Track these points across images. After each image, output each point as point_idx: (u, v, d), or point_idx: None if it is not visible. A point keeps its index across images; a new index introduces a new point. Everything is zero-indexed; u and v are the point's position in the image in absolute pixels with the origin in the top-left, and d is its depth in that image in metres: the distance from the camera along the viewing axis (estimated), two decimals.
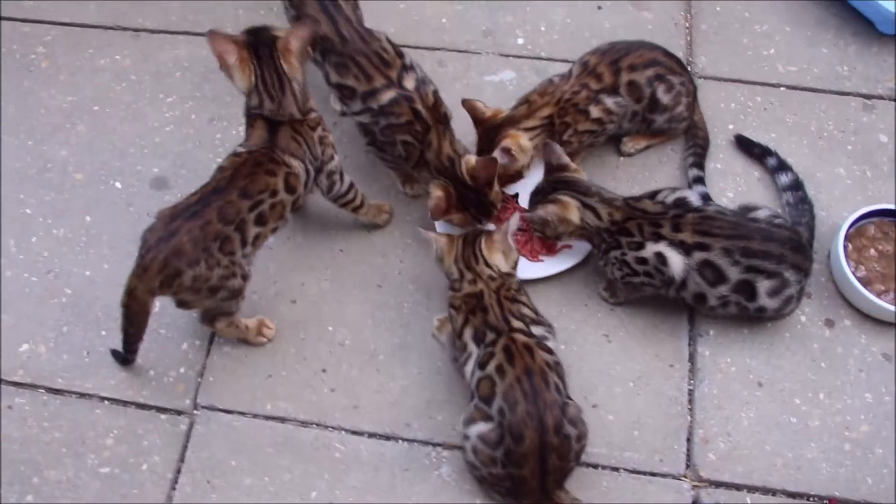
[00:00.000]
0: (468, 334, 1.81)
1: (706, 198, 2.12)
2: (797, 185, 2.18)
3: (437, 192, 1.98)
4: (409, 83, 2.02)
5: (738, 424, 1.93)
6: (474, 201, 2.01)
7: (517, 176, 2.11)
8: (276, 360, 2.06)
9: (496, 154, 2.01)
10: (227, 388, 2.03)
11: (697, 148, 2.27)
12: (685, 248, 1.85)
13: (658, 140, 2.31)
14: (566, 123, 2.11)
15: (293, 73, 1.82)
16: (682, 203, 1.93)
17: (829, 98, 2.41)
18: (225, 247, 1.80)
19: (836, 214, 2.19)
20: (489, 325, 1.78)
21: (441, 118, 2.03)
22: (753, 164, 2.30)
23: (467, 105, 2.10)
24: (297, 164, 1.86)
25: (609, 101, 2.10)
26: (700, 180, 2.23)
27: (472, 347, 1.80)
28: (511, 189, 2.21)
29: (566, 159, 1.99)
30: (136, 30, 2.68)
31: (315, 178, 1.97)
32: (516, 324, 1.78)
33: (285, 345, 2.08)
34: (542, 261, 2.12)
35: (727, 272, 1.86)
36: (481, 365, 1.75)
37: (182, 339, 2.10)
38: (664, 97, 2.15)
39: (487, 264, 1.87)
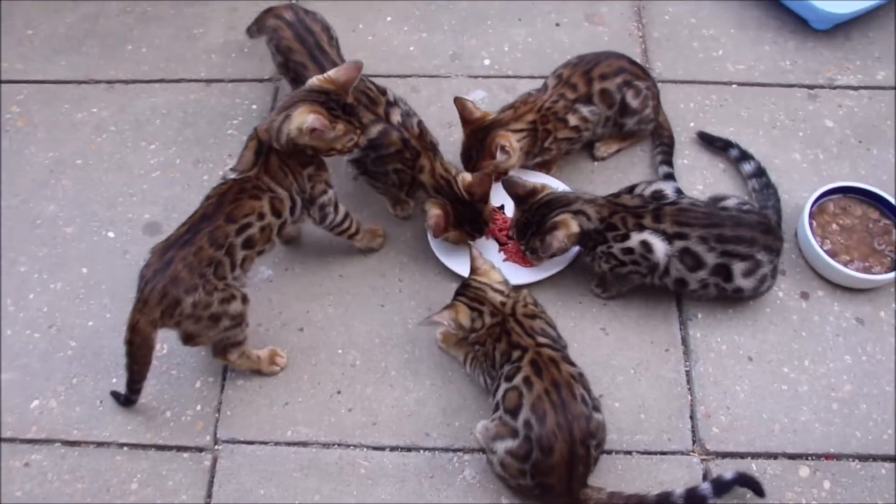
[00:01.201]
0: (497, 359, 1.89)
1: (678, 191, 2.26)
2: (760, 172, 2.35)
3: (435, 211, 2.08)
4: (395, 117, 2.12)
5: (735, 397, 2.06)
6: (469, 218, 2.12)
7: (505, 174, 2.22)
8: (292, 387, 2.12)
9: (495, 150, 2.14)
10: (246, 419, 2.07)
11: (664, 147, 2.43)
12: (666, 238, 1.99)
13: (628, 143, 2.46)
14: (547, 130, 2.24)
15: None
16: (659, 195, 2.06)
17: (777, 91, 2.60)
18: (218, 271, 1.85)
19: (797, 196, 2.36)
20: (514, 345, 1.86)
21: (429, 146, 2.15)
22: (717, 157, 2.46)
23: (458, 103, 2.22)
24: (281, 192, 1.94)
25: (585, 110, 2.24)
26: (670, 176, 2.38)
27: (500, 367, 1.88)
28: (495, 201, 2.33)
29: (530, 184, 2.10)
30: (109, 82, 2.73)
31: (307, 209, 2.04)
32: (540, 339, 1.87)
33: (298, 371, 2.14)
34: (534, 265, 2.23)
35: (704, 258, 2.00)
36: (508, 377, 1.82)
37: (194, 378, 2.14)
38: (633, 101, 2.30)
39: (495, 289, 1.95)
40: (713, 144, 2.47)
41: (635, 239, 1.99)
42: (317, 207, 2.04)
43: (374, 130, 2.10)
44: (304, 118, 1.84)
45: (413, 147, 2.11)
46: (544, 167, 2.39)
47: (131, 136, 2.60)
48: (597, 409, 1.82)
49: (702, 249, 1.99)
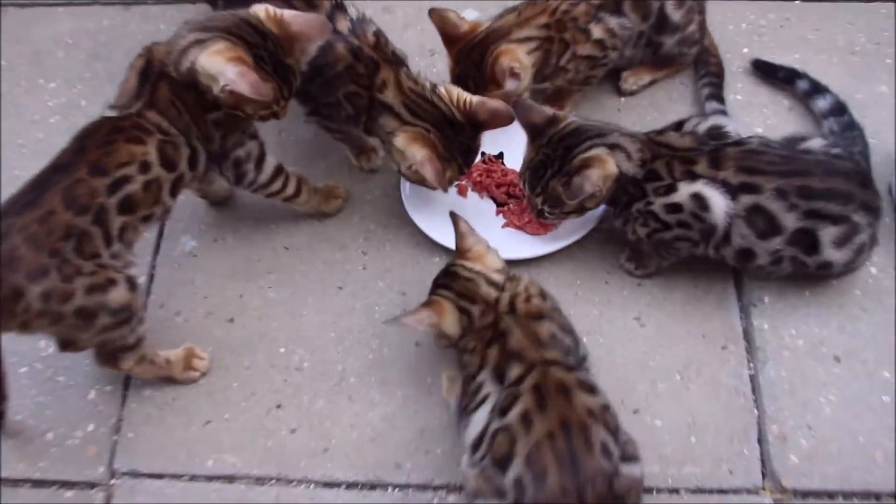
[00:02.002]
0: (485, 374, 1.32)
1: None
2: (840, 109, 1.78)
3: (420, 149, 1.50)
4: (342, 24, 1.55)
5: (820, 412, 1.50)
6: (462, 147, 1.55)
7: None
8: (215, 399, 1.57)
9: (502, 78, 1.56)
10: (153, 444, 1.53)
11: (712, 77, 1.86)
12: (729, 190, 1.42)
13: (664, 73, 1.89)
14: (565, 42, 1.66)
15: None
16: (717, 133, 1.50)
17: (855, 7, 2.03)
18: (84, 246, 1.29)
19: (887, 140, 1.80)
20: (512, 354, 1.30)
21: (391, 57, 1.57)
22: (781, 91, 1.89)
23: (436, 16, 1.65)
24: (175, 134, 1.38)
25: (612, 22, 1.67)
26: (722, 114, 1.81)
27: (490, 388, 1.30)
28: (494, 146, 1.76)
29: (549, 110, 1.53)
30: (2, 5, 2.16)
31: (217, 164, 1.49)
32: (549, 354, 1.30)
33: (225, 378, 1.59)
34: (543, 233, 1.67)
35: (782, 219, 1.44)
36: (502, 411, 1.26)
37: (87, 387, 1.60)
38: (675, 14, 1.73)
39: (490, 282, 1.39)
40: (774, 75, 1.90)
41: (684, 191, 1.43)
42: (230, 163, 1.48)
43: (312, 47, 1.53)
44: (223, 67, 1.29)
45: (367, 57, 1.54)
46: (556, 101, 1.82)
47: (25, 73, 2.07)
48: (629, 458, 1.26)
49: (778, 207, 1.43)
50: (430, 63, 1.95)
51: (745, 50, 1.96)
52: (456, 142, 1.53)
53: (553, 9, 1.65)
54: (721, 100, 1.84)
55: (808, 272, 1.55)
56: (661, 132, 1.51)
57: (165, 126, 1.35)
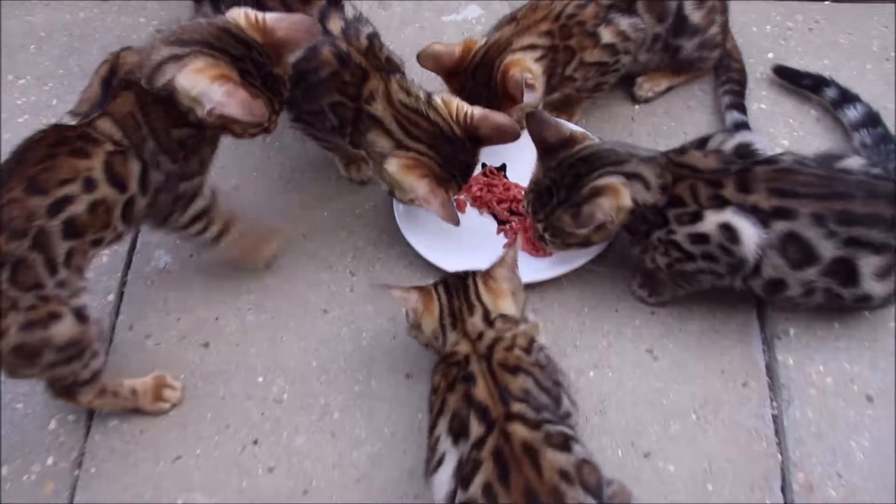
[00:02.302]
0: (442, 425, 1.17)
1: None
2: (873, 119, 1.63)
3: (420, 182, 1.35)
4: (334, 24, 1.40)
5: (851, 459, 1.36)
6: (460, 164, 1.40)
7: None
8: (187, 433, 1.43)
9: (517, 91, 1.41)
10: (118, 481, 1.39)
11: (734, 84, 1.72)
12: (760, 217, 1.28)
13: (682, 79, 1.74)
14: (570, 49, 1.51)
15: None
16: (746, 150, 1.35)
17: (890, 9, 1.88)
18: (20, 275, 1.14)
19: None
20: (475, 406, 1.15)
21: (383, 65, 1.42)
22: (808, 101, 1.75)
23: (424, 56, 1.49)
24: (127, 146, 1.22)
25: (624, 23, 1.52)
26: (743, 126, 1.66)
27: (447, 445, 1.15)
28: (497, 157, 1.61)
29: (567, 127, 1.38)
30: None
31: (167, 190, 1.31)
32: (516, 407, 1.14)
33: (198, 409, 1.45)
34: (543, 255, 1.52)
35: (819, 248, 1.30)
36: (464, 480, 1.10)
37: (48, 415, 1.46)
38: (694, 14, 1.58)
39: (486, 317, 1.25)
40: (799, 83, 1.75)
41: (711, 220, 1.28)
42: (171, 198, 1.32)
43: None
44: (208, 87, 1.15)
45: (355, 66, 1.38)
46: (563, 110, 1.67)
47: None
48: None
49: (815, 235, 1.28)
50: None
51: (770, 55, 1.81)
52: (454, 160, 1.38)
53: (556, 13, 1.50)
54: (743, 109, 1.69)
55: (842, 305, 1.41)
56: (682, 151, 1.36)
57: (118, 137, 1.20)
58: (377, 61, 1.40)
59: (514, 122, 1.36)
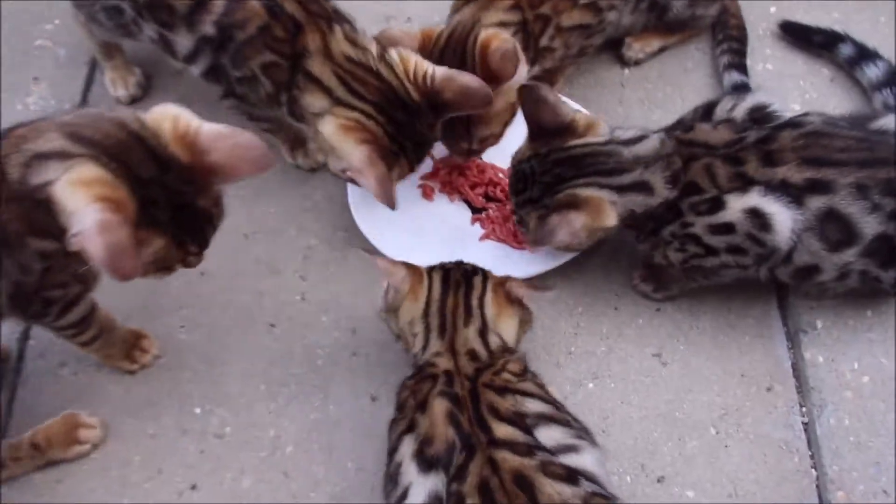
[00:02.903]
0: (406, 447, 0.95)
1: None
2: (895, 77, 1.42)
3: (357, 148, 1.12)
4: None
5: None
6: (414, 136, 1.18)
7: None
8: (111, 479, 1.19)
9: (505, 65, 1.17)
10: None
11: (732, 42, 1.51)
12: (792, 194, 1.06)
13: (676, 38, 1.53)
14: (544, 17, 1.28)
15: None
16: (762, 114, 1.14)
17: None
18: None
19: None
20: (457, 427, 0.94)
21: (323, 12, 1.18)
22: (819, 59, 1.54)
23: (383, 39, 1.22)
24: None
25: None
26: (743, 87, 1.45)
27: (413, 475, 0.93)
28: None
29: (565, 112, 1.14)
30: None
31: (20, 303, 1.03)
32: (502, 431, 0.93)
33: (124, 450, 1.21)
34: (528, 248, 1.30)
35: (861, 225, 1.09)
36: None
37: None
38: None
39: (483, 333, 1.04)
40: (809, 40, 1.54)
41: (735, 207, 1.07)
42: (39, 300, 1.04)
43: (218, 3, 1.15)
44: (83, 207, 0.85)
45: (288, 17, 1.15)
46: (545, 79, 1.43)
47: None
48: None
49: (858, 209, 1.08)
50: None
51: (773, 9, 1.60)
52: (408, 130, 1.15)
53: None
54: (744, 69, 1.48)
55: (877, 289, 1.21)
56: (689, 127, 1.14)
57: None
58: (318, 7, 1.17)
59: (484, 85, 1.13)
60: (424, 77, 1.14)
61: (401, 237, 1.29)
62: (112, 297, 1.31)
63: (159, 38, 1.24)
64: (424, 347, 1.03)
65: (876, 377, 1.23)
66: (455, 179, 1.36)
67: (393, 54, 1.15)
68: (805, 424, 1.21)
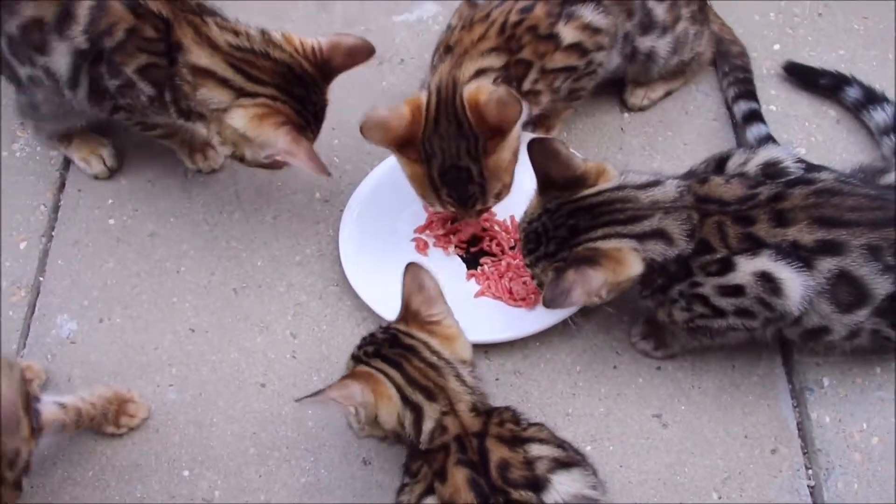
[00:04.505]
0: None
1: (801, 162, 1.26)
2: None
3: (277, 132, 1.14)
4: None
5: None
6: (314, 109, 1.20)
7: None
8: None
9: (503, 109, 1.13)
10: None
11: (738, 72, 1.48)
12: (802, 257, 1.02)
13: (679, 83, 1.49)
14: (524, 62, 1.24)
15: None
16: (774, 169, 1.10)
17: None
18: None
19: None
20: (495, 489, 0.91)
21: (191, 7, 1.19)
22: (825, 100, 1.50)
23: (368, 126, 1.16)
24: None
25: (588, 12, 1.24)
26: (755, 116, 1.42)
27: None
28: None
29: (578, 163, 1.09)
30: None
31: None
32: (517, 495, 0.90)
33: None
34: (529, 305, 1.26)
35: (872, 286, 1.05)
36: None
37: None
38: (657, 7, 1.32)
39: (457, 374, 1.00)
40: (814, 82, 1.50)
41: (745, 269, 1.03)
42: None
43: (84, 9, 1.16)
44: None
45: (154, 14, 1.16)
46: (541, 124, 1.41)
47: None
48: None
49: (870, 271, 1.04)
50: (378, 78, 1.54)
51: (777, 46, 1.56)
52: (308, 102, 1.18)
53: (499, 26, 1.22)
54: (753, 97, 1.44)
55: (887, 347, 1.17)
56: (703, 178, 1.09)
57: None
58: (183, 4, 1.17)
59: (367, 41, 1.20)
60: (313, 50, 1.18)
61: (392, 292, 1.25)
62: (101, 354, 1.30)
63: (45, 74, 1.23)
64: (416, 422, 0.98)
65: (886, 438, 1.19)
66: (449, 232, 1.33)
67: (275, 34, 1.18)
68: (811, 489, 1.16)
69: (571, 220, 1.05)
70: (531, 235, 1.09)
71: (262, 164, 1.22)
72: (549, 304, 1.03)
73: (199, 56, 1.16)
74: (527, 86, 1.26)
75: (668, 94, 1.48)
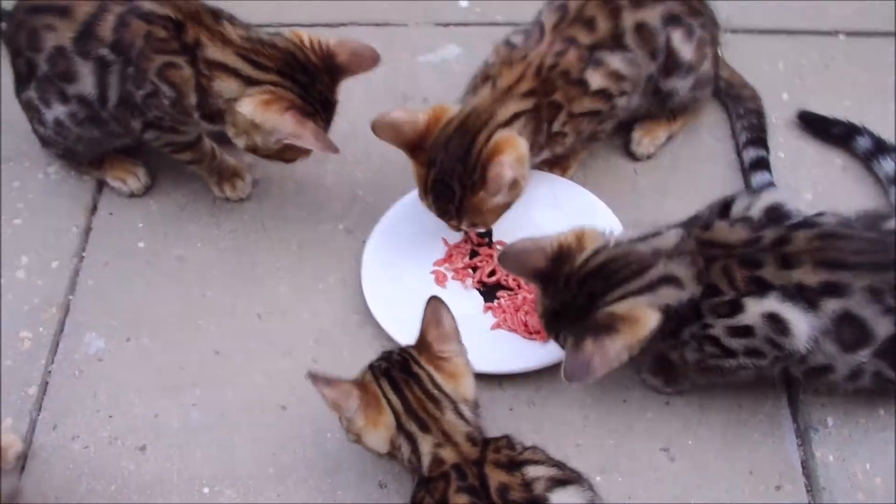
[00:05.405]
0: None
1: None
2: None
3: (282, 116, 1.21)
4: None
5: None
6: (322, 99, 1.27)
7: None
8: None
9: (496, 187, 1.21)
10: None
11: (751, 116, 1.53)
12: (808, 298, 1.07)
13: (679, 124, 1.54)
14: (555, 105, 1.30)
15: None
16: (777, 213, 1.15)
17: None
18: None
19: None
20: None
21: (197, 8, 1.27)
22: (832, 149, 1.55)
23: (381, 125, 1.25)
24: None
25: (615, 60, 1.31)
26: (762, 164, 1.48)
27: None
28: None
29: (547, 243, 1.12)
30: None
31: None
32: None
33: None
34: (539, 338, 1.31)
35: (874, 327, 1.09)
36: None
37: None
38: (683, 47, 1.38)
39: (458, 411, 1.04)
40: (827, 132, 1.56)
41: (754, 311, 1.07)
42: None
43: (108, 24, 1.26)
44: None
45: (162, 17, 1.25)
46: (557, 164, 1.46)
47: None
48: None
49: (872, 313, 1.08)
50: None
51: (785, 95, 1.62)
52: (312, 91, 1.25)
53: (536, 67, 1.28)
54: (763, 144, 1.50)
55: (888, 388, 1.21)
56: (706, 225, 1.15)
57: None
58: (191, 6, 1.27)
59: (372, 49, 1.27)
60: (319, 43, 1.26)
61: (412, 322, 1.30)
62: (127, 372, 1.34)
63: (78, 104, 1.33)
64: (415, 451, 1.02)
65: (889, 479, 1.22)
66: (468, 266, 1.38)
67: (286, 32, 1.27)
68: None
69: (586, 287, 1.08)
70: (551, 315, 1.12)
71: (276, 154, 1.29)
72: (570, 379, 1.05)
73: (214, 51, 1.24)
74: (556, 127, 1.32)
75: (669, 138, 1.53)
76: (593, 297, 1.07)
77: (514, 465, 1.00)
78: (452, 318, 1.08)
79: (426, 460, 1.02)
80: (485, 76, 1.32)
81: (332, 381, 1.05)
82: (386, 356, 1.10)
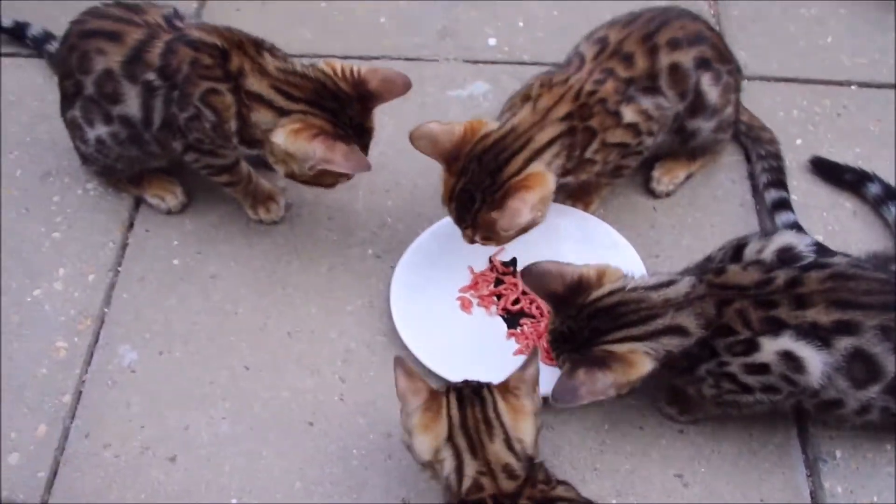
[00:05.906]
0: None
1: (815, 245, 1.37)
2: None
3: (312, 142, 1.26)
4: (154, 16, 1.39)
5: None
6: (355, 126, 1.32)
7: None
8: None
9: (509, 220, 1.26)
10: None
11: (771, 159, 1.59)
12: (821, 336, 1.12)
13: (698, 165, 1.60)
14: (591, 130, 1.36)
15: None
16: (789, 255, 1.21)
17: None
18: None
19: None
20: None
21: (237, 38, 1.35)
22: (843, 193, 1.61)
23: (418, 135, 1.30)
24: None
25: (646, 102, 1.38)
26: (784, 205, 1.54)
27: None
28: (505, 253, 1.46)
29: (571, 271, 1.18)
30: None
31: None
32: None
33: None
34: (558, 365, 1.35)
35: (885, 364, 1.14)
36: None
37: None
38: (711, 90, 1.44)
39: (509, 444, 1.07)
40: (839, 177, 1.62)
41: (769, 349, 1.12)
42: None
43: (155, 53, 1.34)
44: None
45: (209, 45, 1.33)
46: (580, 199, 1.52)
47: None
48: None
49: (882, 350, 1.13)
50: None
51: (799, 141, 1.68)
52: (343, 117, 1.30)
53: (576, 92, 1.35)
54: (784, 186, 1.56)
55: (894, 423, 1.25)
56: (720, 269, 1.20)
57: None
58: (229, 34, 1.34)
59: (404, 76, 1.31)
60: (351, 72, 1.31)
61: (438, 347, 1.35)
62: (159, 384, 1.39)
63: (121, 124, 1.41)
64: (458, 469, 1.06)
65: None
66: (492, 293, 1.43)
67: (319, 63, 1.33)
68: None
69: (594, 322, 1.14)
70: (557, 336, 1.18)
71: (314, 179, 1.35)
72: (555, 398, 1.12)
73: (252, 82, 1.31)
74: (588, 154, 1.37)
75: (688, 177, 1.59)
76: (598, 332, 1.13)
77: (546, 503, 1.03)
78: (538, 370, 1.12)
79: (467, 483, 1.05)
80: (524, 97, 1.37)
81: (411, 372, 1.10)
82: (467, 381, 1.14)
